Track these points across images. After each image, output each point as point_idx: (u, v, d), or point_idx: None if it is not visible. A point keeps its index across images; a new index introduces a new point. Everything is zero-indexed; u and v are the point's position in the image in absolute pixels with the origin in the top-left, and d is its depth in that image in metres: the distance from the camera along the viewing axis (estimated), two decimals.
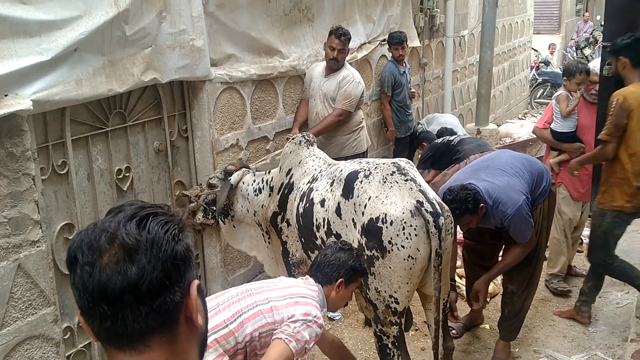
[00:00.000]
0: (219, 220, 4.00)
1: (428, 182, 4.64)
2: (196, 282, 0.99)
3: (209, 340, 2.27)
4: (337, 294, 2.66)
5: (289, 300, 2.44)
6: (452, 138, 5.57)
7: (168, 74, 3.66)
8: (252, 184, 3.87)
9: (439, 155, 5.51)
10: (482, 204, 3.42)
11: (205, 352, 1.08)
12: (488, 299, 4.72)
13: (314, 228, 3.28)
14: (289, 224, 3.59)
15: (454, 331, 4.17)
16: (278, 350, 2.30)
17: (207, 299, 2.49)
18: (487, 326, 4.46)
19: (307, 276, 2.75)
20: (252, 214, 3.87)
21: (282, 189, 3.63)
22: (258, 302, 2.42)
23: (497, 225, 3.58)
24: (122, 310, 0.91)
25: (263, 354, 2.39)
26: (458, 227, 3.62)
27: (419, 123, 7.18)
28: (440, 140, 5.70)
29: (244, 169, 3.95)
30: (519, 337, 4.24)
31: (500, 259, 3.92)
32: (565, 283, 5.01)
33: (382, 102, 6.45)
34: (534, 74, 13.61)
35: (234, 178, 3.85)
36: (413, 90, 6.78)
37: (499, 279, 4.21)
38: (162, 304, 0.93)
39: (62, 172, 3.24)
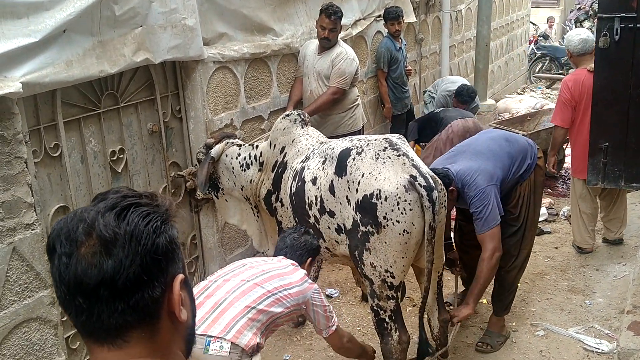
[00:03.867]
0: (213, 195, 3.99)
1: None
2: (180, 276, 0.96)
3: (243, 320, 2.42)
4: (307, 271, 2.90)
5: (306, 285, 2.70)
6: (436, 110, 5.63)
7: (160, 54, 3.63)
8: (236, 158, 3.82)
9: (423, 126, 5.60)
10: (452, 187, 3.43)
11: (193, 346, 1.05)
12: None
13: (306, 206, 3.27)
14: (282, 204, 3.58)
15: (450, 306, 4.19)
16: (338, 336, 2.88)
17: (214, 284, 2.58)
18: (485, 300, 4.46)
19: (280, 257, 2.87)
20: (240, 188, 3.84)
21: (276, 168, 3.61)
22: (283, 286, 2.62)
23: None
24: (97, 305, 0.88)
25: (280, 325, 2.75)
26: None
27: (425, 92, 7.20)
28: (422, 116, 5.84)
29: (226, 141, 3.90)
30: (516, 311, 4.27)
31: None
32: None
33: (378, 78, 6.41)
34: (532, 48, 13.52)
35: (214, 151, 3.81)
36: (409, 67, 6.74)
37: None
38: (140, 300, 0.89)
39: (55, 155, 3.23)
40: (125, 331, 0.90)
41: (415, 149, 6.54)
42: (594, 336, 3.96)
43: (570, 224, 5.71)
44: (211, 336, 2.35)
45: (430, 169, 3.22)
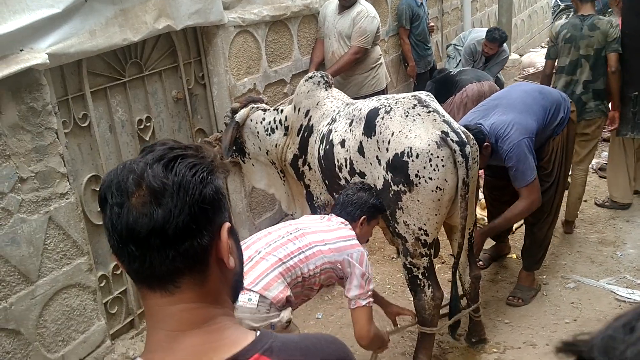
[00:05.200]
0: (239, 159, 4.00)
1: None
2: (227, 224, 0.98)
3: (273, 274, 2.43)
4: (360, 231, 2.82)
5: (343, 244, 2.63)
6: (452, 70, 5.65)
7: (181, 21, 3.61)
8: (261, 122, 3.80)
9: (439, 87, 5.50)
10: (486, 143, 3.38)
11: (240, 292, 1.08)
12: (514, 230, 4.73)
13: (336, 169, 3.27)
14: (310, 167, 3.58)
15: (480, 262, 4.20)
16: (365, 316, 2.61)
17: (255, 237, 2.61)
18: (514, 255, 4.47)
19: (331, 215, 2.83)
20: (265, 153, 3.83)
21: (301, 132, 3.60)
22: (316, 243, 2.59)
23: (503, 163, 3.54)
24: (149, 253, 0.91)
25: (316, 290, 2.69)
26: None
27: (448, 45, 7.11)
28: (441, 74, 5.79)
29: (251, 105, 3.88)
30: (547, 264, 4.26)
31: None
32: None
33: (401, 36, 6.31)
34: (556, 0, 13.15)
35: (239, 115, 3.80)
36: (432, 24, 6.63)
37: None
38: (190, 247, 0.92)
39: (84, 125, 3.26)
40: (176, 277, 0.93)
41: None
42: (626, 286, 3.95)
43: (600, 177, 5.65)
44: None
45: (463, 125, 3.19)
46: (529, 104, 3.59)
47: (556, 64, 4.76)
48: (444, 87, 5.52)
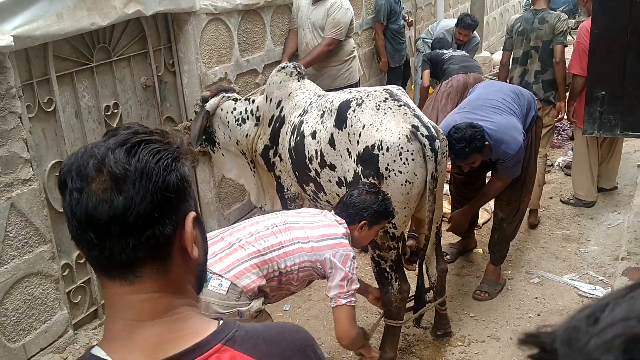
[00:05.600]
0: (209, 149, 3.95)
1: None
2: (192, 214, 0.95)
3: (248, 264, 2.40)
4: (359, 234, 2.74)
5: (327, 242, 2.54)
6: (445, 52, 5.75)
7: (152, 6, 3.55)
8: (232, 112, 3.75)
9: (433, 64, 5.73)
10: (486, 142, 3.43)
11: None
12: (481, 225, 4.79)
13: (307, 160, 3.25)
14: (281, 159, 3.56)
15: (447, 256, 4.24)
16: (346, 315, 2.54)
17: (241, 225, 2.58)
18: (480, 250, 4.53)
19: (330, 212, 2.77)
20: (235, 143, 3.79)
21: (273, 122, 3.57)
22: (299, 239, 2.52)
23: (491, 160, 3.62)
24: (109, 240, 0.88)
25: (297, 286, 2.63)
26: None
27: (417, 40, 7.14)
28: (435, 51, 5.94)
29: (222, 95, 3.83)
30: (512, 259, 4.33)
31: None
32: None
33: (376, 31, 6.32)
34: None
35: (209, 104, 3.75)
36: (411, 19, 6.68)
37: (491, 204, 4.24)
38: (152, 236, 0.89)
39: (49, 110, 3.18)
40: (137, 266, 0.91)
41: (411, 88, 6.64)
42: (589, 282, 4.03)
43: (565, 174, 5.75)
44: (213, 272, 2.36)
45: (464, 124, 3.33)
46: (509, 104, 3.68)
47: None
48: (437, 67, 5.70)
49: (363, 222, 2.70)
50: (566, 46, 4.94)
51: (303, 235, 2.54)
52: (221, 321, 0.96)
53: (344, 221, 2.68)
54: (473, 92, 4.05)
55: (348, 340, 2.61)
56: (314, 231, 2.56)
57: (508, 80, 5.17)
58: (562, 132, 6.87)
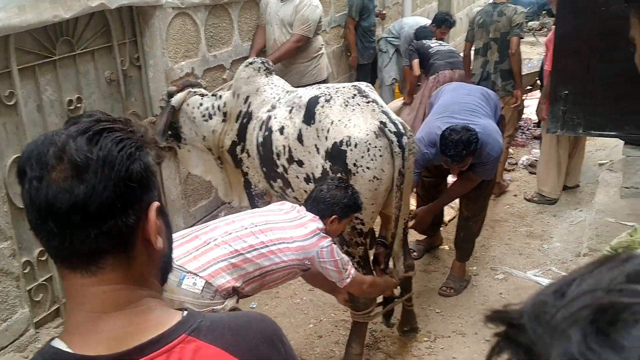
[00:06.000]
0: (175, 145, 3.88)
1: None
2: (156, 204, 0.93)
3: (224, 263, 2.37)
4: (330, 228, 2.75)
5: (312, 240, 2.58)
6: (432, 45, 5.76)
7: None
8: (198, 107, 3.68)
9: (420, 55, 5.73)
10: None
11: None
12: (447, 222, 4.84)
13: (274, 156, 3.24)
14: (248, 155, 3.53)
15: (414, 253, 4.28)
16: (356, 284, 2.75)
17: (214, 224, 2.54)
18: (447, 247, 4.58)
19: (301, 207, 2.76)
20: (202, 138, 3.73)
21: (240, 118, 3.54)
22: (283, 240, 2.53)
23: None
24: (69, 230, 0.86)
25: (279, 283, 2.66)
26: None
27: (379, 40, 7.11)
28: (421, 42, 5.91)
29: (188, 90, 3.77)
30: (477, 255, 4.38)
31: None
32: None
33: (348, 26, 6.33)
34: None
35: (175, 99, 3.68)
36: (384, 11, 6.70)
37: (456, 202, 4.29)
38: (114, 227, 0.87)
39: (10, 104, 3.09)
40: (99, 257, 0.89)
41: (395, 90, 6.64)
42: (552, 278, 4.11)
43: (529, 172, 5.85)
44: (187, 271, 2.33)
45: (460, 127, 3.38)
46: (484, 106, 3.76)
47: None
48: (423, 59, 5.70)
49: (334, 216, 2.73)
50: (522, 38, 5.20)
51: (287, 236, 2.54)
52: (185, 312, 0.95)
53: (317, 217, 2.69)
54: (442, 94, 4.05)
55: (371, 295, 2.99)
56: (295, 231, 2.57)
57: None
58: (527, 132, 6.99)
